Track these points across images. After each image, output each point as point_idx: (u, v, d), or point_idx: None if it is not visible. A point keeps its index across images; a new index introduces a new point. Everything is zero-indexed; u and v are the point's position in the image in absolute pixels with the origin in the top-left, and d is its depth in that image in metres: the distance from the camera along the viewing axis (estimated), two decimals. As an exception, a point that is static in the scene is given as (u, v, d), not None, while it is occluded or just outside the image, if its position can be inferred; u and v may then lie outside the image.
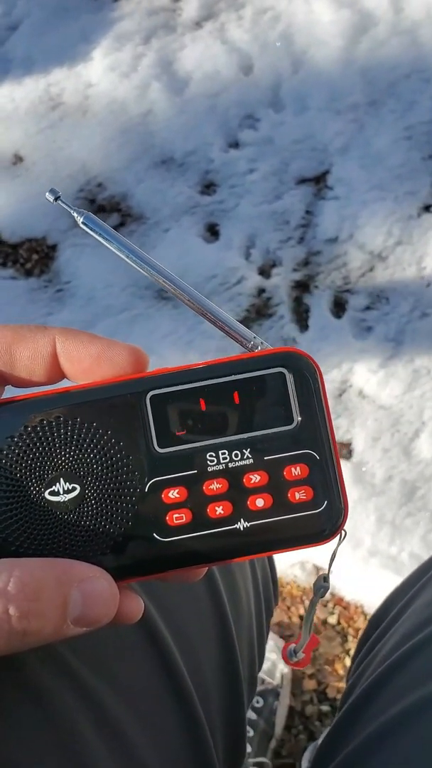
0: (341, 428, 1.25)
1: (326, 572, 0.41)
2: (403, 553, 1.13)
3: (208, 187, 1.49)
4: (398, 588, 0.68)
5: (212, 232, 1.44)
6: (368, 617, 1.14)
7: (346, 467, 1.21)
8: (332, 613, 1.14)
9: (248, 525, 0.35)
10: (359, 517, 1.16)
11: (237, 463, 0.35)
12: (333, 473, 0.35)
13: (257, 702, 1.11)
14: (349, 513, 0.36)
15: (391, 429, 1.24)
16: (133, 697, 0.43)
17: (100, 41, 1.67)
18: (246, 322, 1.36)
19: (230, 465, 0.35)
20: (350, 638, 1.14)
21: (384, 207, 1.42)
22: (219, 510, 0.35)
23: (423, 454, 1.20)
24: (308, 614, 0.43)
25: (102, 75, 1.62)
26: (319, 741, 1.06)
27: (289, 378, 0.36)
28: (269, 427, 0.35)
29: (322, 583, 0.41)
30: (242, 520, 0.35)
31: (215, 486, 0.35)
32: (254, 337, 0.37)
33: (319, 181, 1.47)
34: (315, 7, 1.63)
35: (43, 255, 1.46)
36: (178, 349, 1.33)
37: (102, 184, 1.51)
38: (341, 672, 1.12)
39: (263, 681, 1.11)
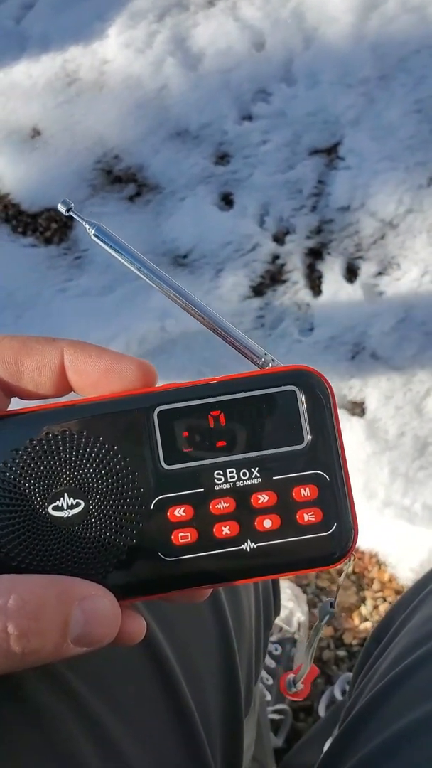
0: (354, 388, 1.29)
1: (333, 598, 0.40)
2: (416, 504, 1.16)
3: (223, 158, 1.52)
4: (397, 603, 0.67)
5: (227, 201, 1.48)
6: (383, 567, 1.18)
7: (359, 425, 1.24)
8: (348, 563, 1.17)
9: (255, 546, 0.34)
10: (373, 470, 1.19)
11: (245, 483, 0.34)
12: (343, 495, 0.34)
13: (275, 650, 1.14)
14: (359, 533, 0.35)
15: (403, 388, 1.27)
16: (134, 718, 0.42)
17: (114, 19, 1.70)
18: (261, 287, 1.40)
19: (238, 484, 0.34)
20: (365, 586, 1.17)
21: (395, 176, 1.45)
22: (225, 530, 0.34)
23: (435, 411, 1.24)
24: (311, 642, 0.42)
25: (117, 51, 1.66)
26: (336, 687, 1.09)
27: (300, 396, 0.35)
28: (279, 446, 0.35)
29: (328, 608, 0.40)
30: (249, 540, 0.34)
31: (222, 505, 0.34)
32: (265, 354, 0.37)
33: (330, 152, 1.50)
34: (326, -15, 1.67)
35: (61, 224, 1.49)
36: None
37: (118, 155, 1.54)
38: (357, 620, 1.16)
39: (281, 629, 1.14)
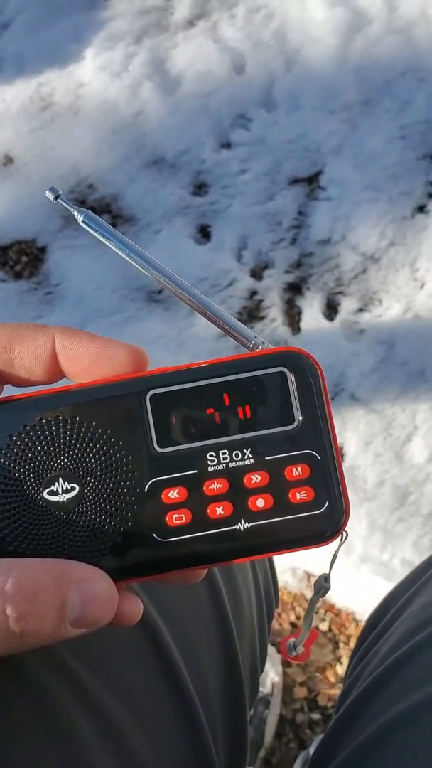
0: (333, 432, 1.24)
1: (327, 572, 0.40)
2: (394, 559, 1.12)
3: (200, 188, 1.47)
4: (395, 589, 0.68)
5: (204, 233, 1.43)
6: (360, 624, 1.13)
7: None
8: (324, 620, 1.13)
9: (249, 526, 0.35)
10: (351, 522, 1.14)
11: (237, 463, 0.35)
12: (334, 473, 0.35)
13: (247, 710, 1.09)
14: (350, 510, 0.36)
15: (383, 433, 1.22)
16: (135, 701, 0.43)
17: (91, 40, 1.65)
18: (238, 324, 1.35)
19: (231, 465, 0.35)
20: (342, 645, 1.12)
21: (377, 207, 1.40)
22: (219, 510, 0.35)
23: (415, 458, 1.19)
24: (308, 610, 0.43)
25: (93, 74, 1.61)
26: (311, 749, 1.05)
27: (291, 377, 0.35)
28: (270, 427, 0.35)
29: (323, 583, 0.40)
30: (243, 520, 0.35)
31: (215, 486, 0.35)
32: (255, 337, 0.37)
33: (311, 181, 1.45)
34: (308, 4, 1.62)
35: (32, 257, 1.44)
36: (170, 351, 1.32)
37: (93, 185, 1.50)
38: (332, 679, 1.11)
39: (253, 689, 1.10)
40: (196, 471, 0.35)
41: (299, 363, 0.35)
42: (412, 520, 1.15)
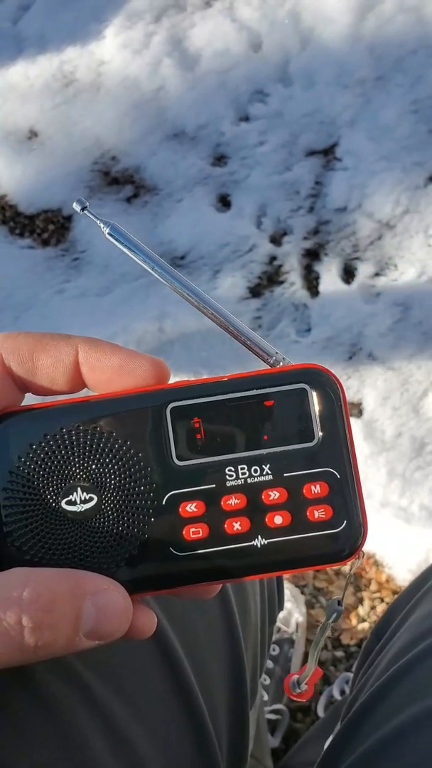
0: (351, 389, 1.29)
1: (341, 596, 0.40)
2: (413, 504, 1.17)
3: (220, 159, 1.52)
4: (398, 599, 0.68)
5: (224, 202, 1.48)
6: (380, 568, 1.18)
7: (356, 425, 1.25)
8: (357, 560, 1.17)
9: (266, 542, 0.34)
10: (370, 470, 1.20)
11: (256, 479, 0.35)
12: (353, 492, 0.35)
13: (273, 650, 1.14)
14: (368, 530, 0.35)
15: (401, 388, 1.27)
16: (144, 710, 0.43)
17: (111, 20, 1.70)
18: (258, 288, 1.40)
19: (249, 480, 0.34)
20: (363, 587, 1.17)
21: (392, 177, 1.46)
22: (236, 526, 0.34)
23: (431, 411, 1.24)
24: (316, 642, 0.42)
25: (114, 52, 1.66)
26: (335, 687, 1.09)
27: (311, 394, 0.35)
28: (289, 444, 0.35)
29: (336, 606, 0.40)
30: (260, 536, 0.34)
31: (233, 501, 0.34)
32: (276, 353, 0.37)
33: (327, 152, 1.51)
34: (322, -15, 1.67)
35: (59, 225, 1.49)
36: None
37: (116, 157, 1.55)
38: (354, 620, 1.16)
39: (279, 629, 1.14)
40: (214, 485, 0.34)
41: (320, 380, 0.35)
42: (429, 468, 1.20)
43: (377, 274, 1.39)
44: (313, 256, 1.43)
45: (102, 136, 1.57)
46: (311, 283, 1.40)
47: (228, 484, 0.34)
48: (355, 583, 1.18)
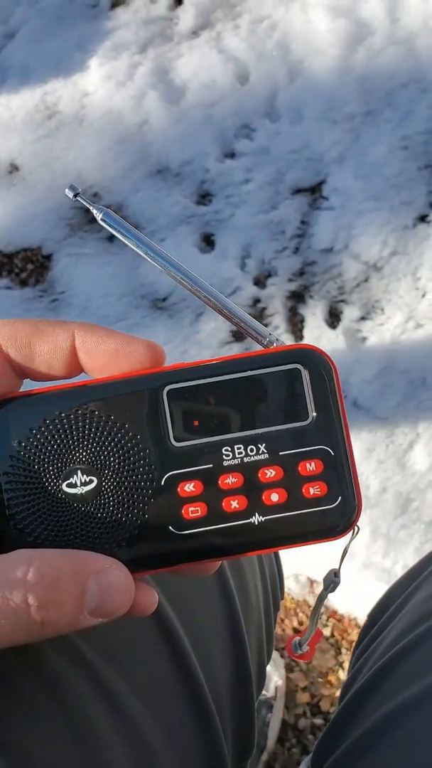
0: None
1: (337, 567, 0.41)
2: (397, 565, 1.13)
3: (204, 197, 1.49)
4: (396, 583, 0.69)
5: (208, 242, 1.44)
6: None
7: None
8: (326, 626, 1.14)
9: (263, 519, 0.35)
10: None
11: (252, 458, 0.35)
12: (347, 469, 0.36)
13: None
14: (362, 500, 0.37)
15: (386, 440, 1.23)
16: (146, 689, 0.44)
17: (96, 50, 1.67)
18: (241, 332, 1.36)
19: (245, 460, 0.35)
20: (344, 651, 1.14)
21: (380, 217, 1.42)
22: (234, 504, 0.35)
23: (417, 465, 1.20)
24: (316, 607, 0.43)
25: (98, 84, 1.62)
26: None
27: (305, 374, 0.36)
28: (284, 423, 0.36)
29: (332, 578, 0.41)
30: (257, 514, 0.35)
31: (230, 480, 0.35)
32: (269, 334, 0.38)
33: (314, 191, 1.47)
34: (312, 16, 1.63)
35: (38, 265, 1.46)
36: (174, 358, 1.33)
37: (98, 193, 1.51)
38: (335, 684, 1.12)
39: (257, 693, 1.11)
40: (211, 465, 0.35)
41: (313, 360, 0.36)
42: (414, 527, 1.16)
43: (363, 318, 1.35)
44: (297, 298, 1.39)
45: (84, 171, 1.54)
46: (296, 326, 1.37)
47: (225, 463, 0.35)
48: (336, 645, 1.14)
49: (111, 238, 1.47)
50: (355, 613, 1.15)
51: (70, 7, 1.76)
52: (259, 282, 1.40)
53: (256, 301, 1.38)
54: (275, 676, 1.11)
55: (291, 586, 1.17)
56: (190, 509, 0.35)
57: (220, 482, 0.35)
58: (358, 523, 0.37)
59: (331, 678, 1.12)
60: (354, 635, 1.14)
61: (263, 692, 1.11)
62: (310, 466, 0.35)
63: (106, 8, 1.74)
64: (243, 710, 0.53)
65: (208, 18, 1.68)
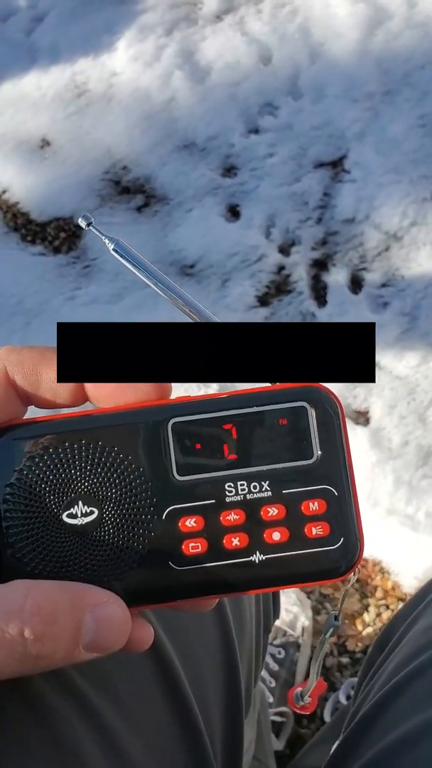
0: (359, 397, 1.30)
1: (337, 611, 0.40)
2: (419, 512, 1.18)
3: (229, 170, 1.54)
4: (401, 610, 0.68)
5: (233, 212, 1.50)
6: (386, 575, 1.19)
7: (363, 433, 1.26)
8: (353, 576, 1.18)
9: (264, 558, 0.35)
10: (377, 478, 1.21)
11: (255, 495, 0.35)
12: (351, 510, 0.35)
13: (279, 653, 1.15)
14: (365, 544, 0.36)
15: (407, 398, 1.28)
16: (138, 719, 0.43)
17: (123, 32, 1.73)
18: (267, 297, 1.42)
19: (248, 497, 0.35)
20: (369, 594, 1.18)
21: (399, 189, 1.47)
22: (235, 541, 0.35)
23: (438, 420, 1.25)
24: (317, 656, 0.42)
25: (126, 64, 1.68)
26: (341, 693, 1.10)
27: (311, 413, 0.35)
28: (289, 461, 0.35)
29: (332, 621, 0.40)
30: (258, 552, 0.35)
31: (232, 517, 0.35)
32: None
33: (336, 165, 1.53)
34: (331, 1, 1.69)
35: (70, 233, 1.51)
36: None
37: (127, 167, 1.57)
38: (360, 627, 1.17)
39: (285, 633, 1.15)
40: (213, 501, 0.35)
41: (320, 398, 0.36)
42: (436, 477, 1.21)
43: (384, 285, 1.40)
44: (321, 266, 1.44)
45: (113, 146, 1.59)
46: (319, 293, 1.42)
47: (227, 499, 0.35)
48: (361, 589, 1.19)
49: (140, 208, 1.52)
50: (379, 557, 1.19)
51: (98, -8, 1.82)
52: (284, 250, 1.45)
53: (281, 268, 1.44)
54: (302, 617, 1.16)
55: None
56: (191, 545, 0.35)
57: (221, 518, 0.35)
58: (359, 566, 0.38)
59: (357, 621, 1.17)
60: (378, 580, 1.19)
61: (290, 631, 1.16)
62: (313, 506, 0.35)
63: (132, -7, 1.81)
64: (232, 734, 0.53)
65: (231, 3, 1.75)
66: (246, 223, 1.47)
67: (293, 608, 1.14)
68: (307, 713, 0.63)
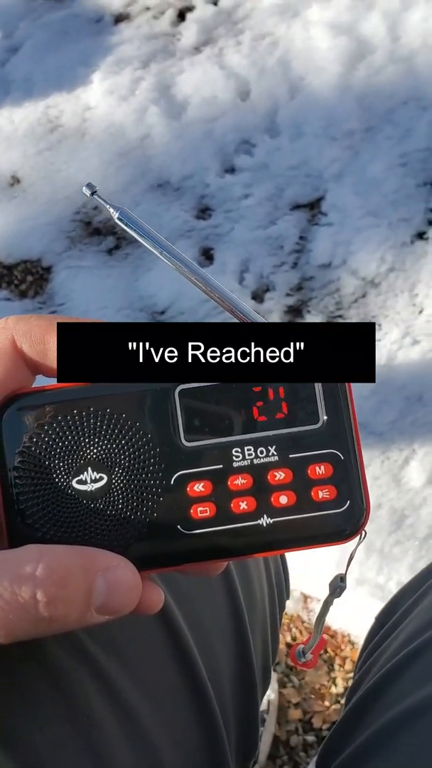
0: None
1: (344, 572, 0.41)
2: (390, 581, 1.13)
3: (204, 212, 1.50)
4: (406, 586, 0.69)
5: (207, 256, 1.45)
6: (356, 646, 1.14)
7: (335, 494, 1.21)
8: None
9: (271, 521, 0.35)
10: (348, 544, 1.16)
11: (262, 460, 0.35)
12: (356, 473, 0.36)
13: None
14: (371, 505, 0.36)
15: (381, 456, 1.24)
16: (149, 684, 0.44)
17: (99, 65, 1.69)
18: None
19: (255, 461, 0.35)
20: (337, 667, 1.13)
21: (377, 233, 1.43)
22: (243, 505, 0.35)
23: (413, 482, 1.20)
24: (321, 614, 0.43)
25: (101, 98, 1.64)
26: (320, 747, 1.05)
27: None
28: (295, 426, 0.36)
29: (338, 582, 0.41)
30: (265, 516, 0.35)
31: (240, 481, 0.35)
32: None
33: (313, 207, 1.48)
34: (313, 33, 1.65)
35: (37, 276, 1.46)
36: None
37: (98, 207, 1.52)
38: (327, 702, 1.12)
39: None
40: (221, 466, 0.35)
41: None
42: (409, 543, 1.16)
43: (361, 334, 1.35)
44: (295, 312, 1.40)
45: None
46: (293, 341, 1.37)
47: (235, 464, 0.35)
48: (328, 662, 1.14)
49: (111, 250, 1.48)
50: (348, 629, 1.14)
51: (74, 22, 1.78)
52: (258, 296, 1.41)
53: (254, 315, 1.39)
54: (268, 690, 1.11)
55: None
56: (199, 509, 0.35)
57: (229, 483, 0.35)
58: (366, 528, 0.37)
59: (324, 695, 1.12)
60: (347, 652, 1.14)
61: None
62: (320, 470, 0.36)
63: (109, 23, 1.76)
64: (246, 709, 0.54)
65: (210, 34, 1.70)
66: (219, 268, 1.42)
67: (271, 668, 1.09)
68: (308, 669, 0.65)
